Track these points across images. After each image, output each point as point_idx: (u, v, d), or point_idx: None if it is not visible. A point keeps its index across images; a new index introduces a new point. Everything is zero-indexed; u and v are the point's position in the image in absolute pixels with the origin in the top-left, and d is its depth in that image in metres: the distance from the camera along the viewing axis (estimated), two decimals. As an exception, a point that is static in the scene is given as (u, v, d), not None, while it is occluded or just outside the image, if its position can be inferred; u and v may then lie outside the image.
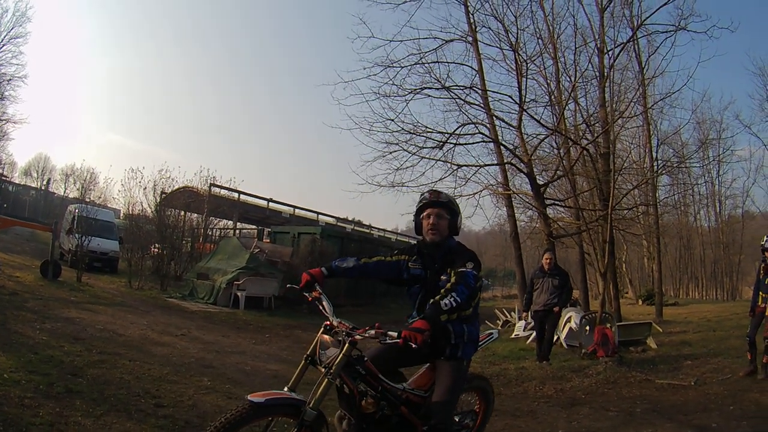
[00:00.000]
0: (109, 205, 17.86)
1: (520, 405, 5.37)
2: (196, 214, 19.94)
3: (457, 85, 10.33)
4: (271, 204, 26.72)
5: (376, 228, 32.41)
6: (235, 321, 10.38)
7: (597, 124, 10.67)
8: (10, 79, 31.85)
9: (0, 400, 3.71)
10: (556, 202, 12.40)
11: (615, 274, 11.84)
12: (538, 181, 10.76)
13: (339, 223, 30.89)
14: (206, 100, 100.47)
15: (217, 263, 14.04)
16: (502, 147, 10.91)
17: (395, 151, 10.54)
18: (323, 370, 2.51)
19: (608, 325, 7.89)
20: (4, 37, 30.87)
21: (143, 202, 16.63)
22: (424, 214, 2.91)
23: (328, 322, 2.64)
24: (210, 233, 20.98)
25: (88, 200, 18.31)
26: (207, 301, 12.55)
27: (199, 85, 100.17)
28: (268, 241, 18.17)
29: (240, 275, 12.65)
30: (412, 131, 10.31)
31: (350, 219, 33.78)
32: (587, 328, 7.98)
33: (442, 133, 10.47)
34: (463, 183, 10.87)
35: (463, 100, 10.45)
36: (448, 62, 10.48)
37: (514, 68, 10.25)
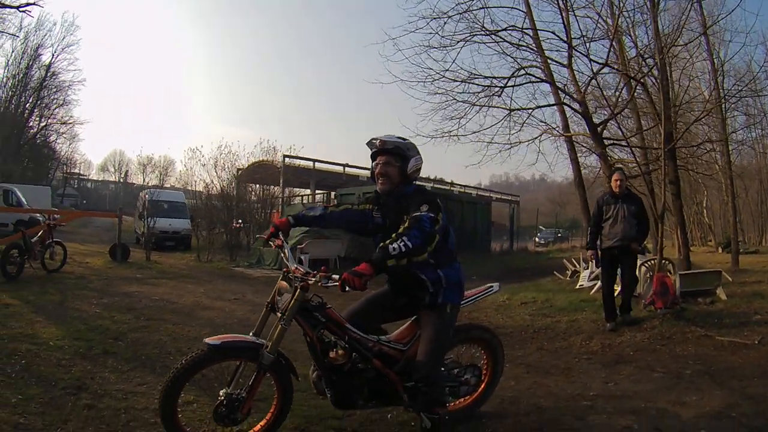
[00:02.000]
0: (188, 188, 19.58)
1: (558, 361, 5.22)
2: (274, 186, 21.30)
3: (509, 27, 10.14)
4: (347, 169, 28.18)
5: (458, 185, 32.55)
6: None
7: (650, 58, 9.86)
8: (69, 85, 35.72)
9: (40, 363, 4.28)
10: (616, 142, 11.78)
11: (683, 218, 11.06)
12: (594, 121, 10.27)
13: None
14: (271, 71, 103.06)
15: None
16: (557, 88, 10.60)
17: (447, 100, 10.49)
18: (279, 315, 2.69)
19: (668, 273, 7.25)
20: (57, 47, 34.82)
21: (213, 180, 17.83)
22: (374, 163, 2.94)
23: (286, 269, 2.78)
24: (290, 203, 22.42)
25: (166, 186, 20.07)
26: (272, 267, 13.47)
27: (268, 58, 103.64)
28: (334, 203, 18.76)
29: (303, 239, 13.31)
30: (466, 80, 10.29)
31: (431, 177, 34.42)
32: (648, 276, 7.33)
33: (492, 78, 10.34)
34: (518, 128, 10.66)
35: (515, 45, 10.26)
36: (496, 6, 10.22)
37: (563, 4, 9.94)
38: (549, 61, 10.54)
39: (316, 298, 2.75)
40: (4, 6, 16.75)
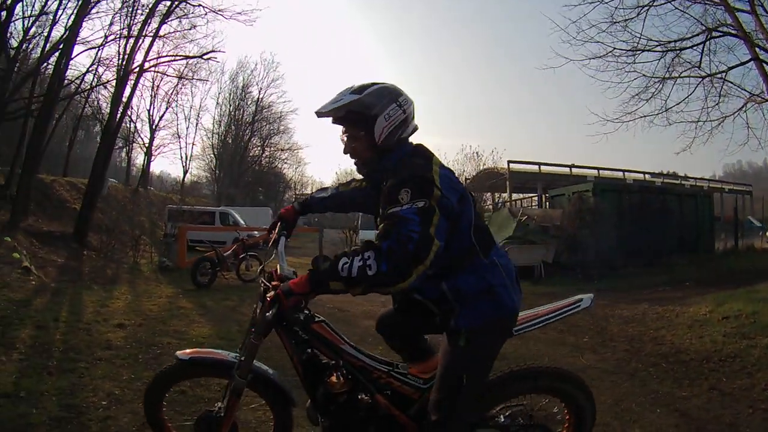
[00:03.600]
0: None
1: (724, 411, 3.88)
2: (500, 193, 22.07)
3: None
4: (573, 170, 28.07)
5: (692, 177, 30.28)
6: None
7: None
8: (282, 116, 43.35)
9: (170, 353, 4.65)
10: None
11: None
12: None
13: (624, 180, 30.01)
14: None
15: (490, 237, 15.08)
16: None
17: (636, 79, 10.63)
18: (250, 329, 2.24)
19: None
20: (263, 84, 42.23)
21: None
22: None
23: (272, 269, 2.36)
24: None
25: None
26: None
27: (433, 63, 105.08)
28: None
29: (506, 245, 12.85)
30: (651, 49, 10.25)
31: (664, 173, 32.99)
32: None
33: (681, 40, 10.06)
34: (717, 100, 9.90)
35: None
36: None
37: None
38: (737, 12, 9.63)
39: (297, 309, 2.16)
40: (189, 57, 20.19)
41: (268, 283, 2.19)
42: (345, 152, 2.17)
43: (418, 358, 2.39)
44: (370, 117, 2.03)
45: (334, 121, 2.14)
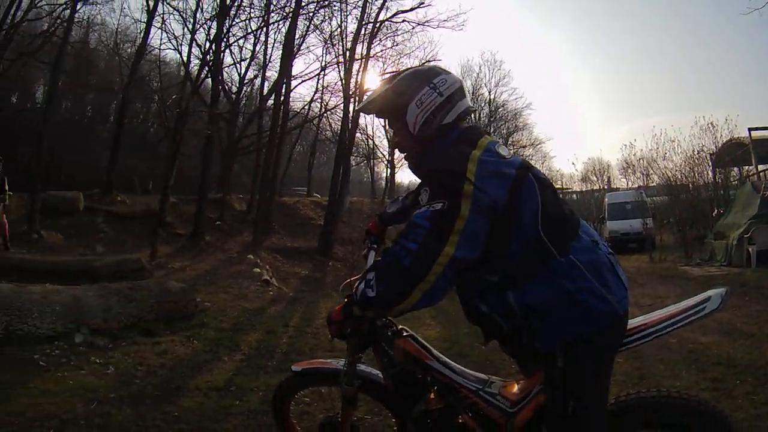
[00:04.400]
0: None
1: None
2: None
3: None
4: None
5: None
6: (734, 284, 8.87)
7: None
8: (516, 113, 42.57)
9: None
10: None
11: None
12: None
13: None
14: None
15: (733, 217, 13.41)
16: None
17: None
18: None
19: None
20: (491, 84, 41.66)
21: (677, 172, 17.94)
22: None
23: None
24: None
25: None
26: (721, 263, 11.98)
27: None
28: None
29: (751, 226, 11.22)
30: None
31: None
32: None
33: None
34: None
35: None
36: None
37: None
38: None
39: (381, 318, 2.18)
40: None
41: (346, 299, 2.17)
42: (392, 148, 2.09)
43: (526, 373, 2.09)
44: (402, 105, 1.87)
45: (377, 116, 2.05)
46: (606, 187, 49.88)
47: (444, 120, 1.86)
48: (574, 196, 49.11)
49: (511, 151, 1.80)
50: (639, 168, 24.25)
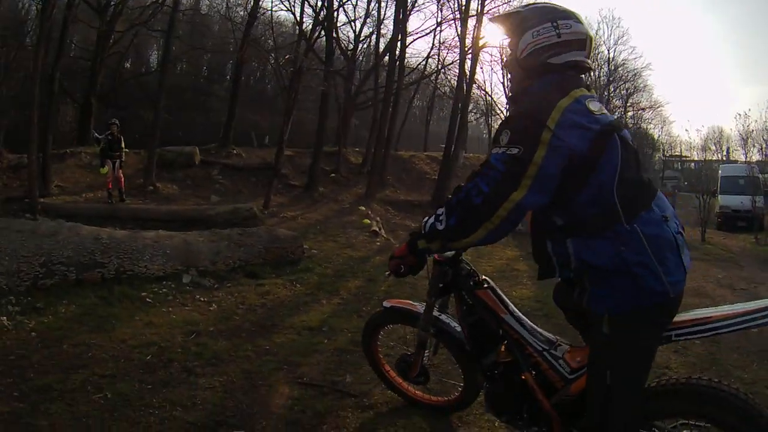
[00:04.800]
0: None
1: None
2: None
3: None
4: None
5: None
6: None
7: None
8: (636, 73, 40.07)
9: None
10: None
11: None
12: None
13: None
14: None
15: None
16: None
17: None
18: None
19: None
20: (610, 43, 39.25)
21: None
22: None
23: None
24: None
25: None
26: None
27: None
28: None
29: None
30: None
31: None
32: None
33: None
34: None
35: None
36: None
37: None
38: None
39: (465, 268, 2.40)
40: None
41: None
42: (503, 66, 2.06)
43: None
44: (523, 30, 1.91)
45: (503, 31, 2.03)
46: (725, 158, 46.22)
47: (551, 59, 1.88)
48: (692, 165, 45.74)
49: (614, 113, 1.71)
50: (758, 141, 22.52)
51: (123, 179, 11.57)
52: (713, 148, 48.27)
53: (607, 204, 1.71)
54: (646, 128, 44.79)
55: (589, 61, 1.95)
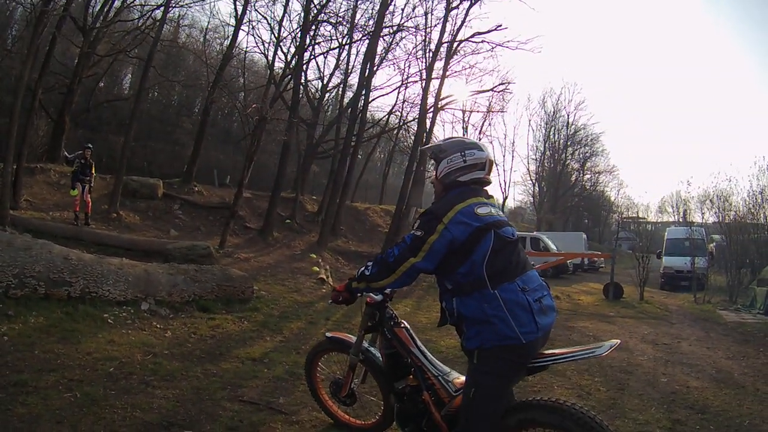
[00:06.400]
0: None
1: None
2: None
3: None
4: None
5: None
6: (758, 334, 8.95)
7: None
8: (591, 138, 44.91)
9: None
10: None
11: None
12: None
13: None
14: None
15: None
16: None
17: None
18: None
19: None
20: (570, 107, 46.83)
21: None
22: None
23: None
24: None
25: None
26: (759, 312, 11.74)
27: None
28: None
29: None
30: None
31: None
32: None
33: None
34: None
35: None
36: None
37: None
38: None
39: (389, 312, 3.18)
40: (480, 92, 22.94)
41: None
42: (431, 182, 2.93)
43: None
44: (441, 157, 2.74)
45: (430, 157, 2.99)
46: (683, 219, 48.08)
47: (459, 178, 2.69)
48: (649, 227, 47.58)
49: (496, 211, 2.62)
50: (715, 204, 23.54)
51: (90, 204, 11.87)
52: (670, 210, 50.13)
53: (478, 275, 2.43)
54: (602, 191, 48.10)
55: (489, 177, 2.75)
